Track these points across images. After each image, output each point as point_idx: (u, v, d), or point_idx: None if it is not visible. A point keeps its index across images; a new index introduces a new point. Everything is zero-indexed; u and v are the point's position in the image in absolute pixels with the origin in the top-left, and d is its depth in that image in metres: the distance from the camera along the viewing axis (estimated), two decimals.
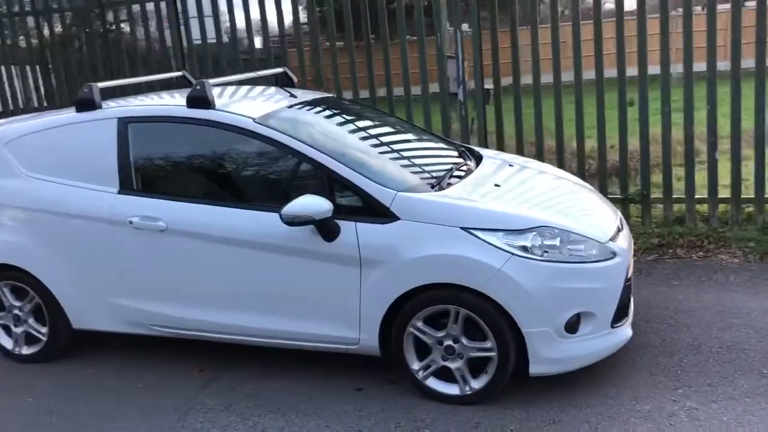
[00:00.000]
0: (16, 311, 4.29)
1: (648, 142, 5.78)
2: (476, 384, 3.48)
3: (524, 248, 3.36)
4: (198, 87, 3.88)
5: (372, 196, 3.51)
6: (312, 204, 3.43)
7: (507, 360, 3.39)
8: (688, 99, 5.58)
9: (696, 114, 5.63)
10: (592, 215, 3.83)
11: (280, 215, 3.44)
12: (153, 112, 4.09)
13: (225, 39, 6.99)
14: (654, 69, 5.56)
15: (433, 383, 3.55)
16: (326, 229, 3.47)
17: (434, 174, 3.90)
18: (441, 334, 3.47)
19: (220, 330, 3.88)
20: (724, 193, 5.75)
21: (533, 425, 3.31)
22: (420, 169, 4.00)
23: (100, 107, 4.11)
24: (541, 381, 3.52)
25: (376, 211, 3.49)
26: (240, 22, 6.89)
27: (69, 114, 4.21)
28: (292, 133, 3.76)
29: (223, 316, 3.83)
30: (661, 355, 3.84)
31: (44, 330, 4.26)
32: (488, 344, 3.40)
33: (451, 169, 4.00)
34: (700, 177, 5.85)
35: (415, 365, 3.56)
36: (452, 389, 3.52)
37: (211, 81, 4.03)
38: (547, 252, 3.38)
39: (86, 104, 4.12)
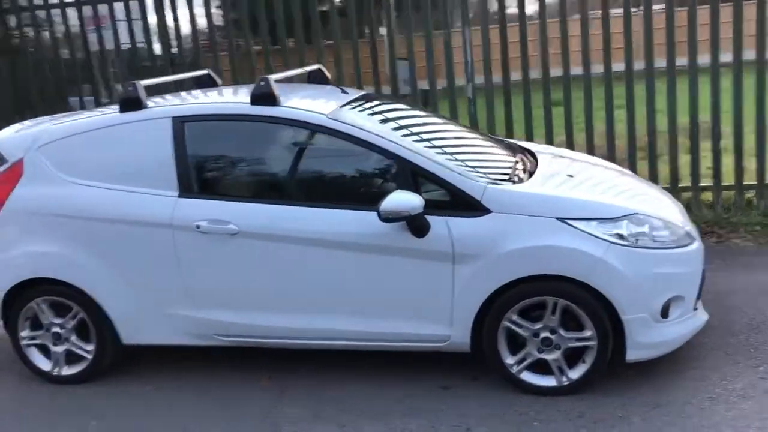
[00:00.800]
0: (56, 329, 3.97)
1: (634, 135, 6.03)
2: (573, 374, 3.48)
3: (620, 236, 3.39)
4: (263, 83, 3.71)
5: (462, 189, 3.45)
6: (406, 200, 3.34)
7: (606, 348, 3.41)
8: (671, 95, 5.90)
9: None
10: (663, 202, 3.91)
11: (378, 212, 3.33)
12: (211, 111, 3.88)
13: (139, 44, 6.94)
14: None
15: (527, 376, 3.53)
16: (417, 225, 3.39)
17: (505, 168, 3.88)
18: (538, 326, 3.45)
19: (297, 335, 3.72)
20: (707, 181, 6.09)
21: (638, 410, 3.33)
22: (490, 163, 3.97)
23: (146, 107, 3.87)
24: (626, 368, 3.55)
25: (465, 205, 3.44)
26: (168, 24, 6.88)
27: (111, 114, 3.94)
28: (367, 128, 3.66)
29: (301, 321, 3.67)
30: (726, 335, 3.96)
31: (90, 347, 3.96)
32: (587, 333, 3.41)
33: (517, 163, 3.99)
34: (684, 166, 6.12)
35: (509, 359, 3.52)
36: (548, 381, 3.51)
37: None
38: (638, 239, 3.43)
39: (132, 104, 3.87)
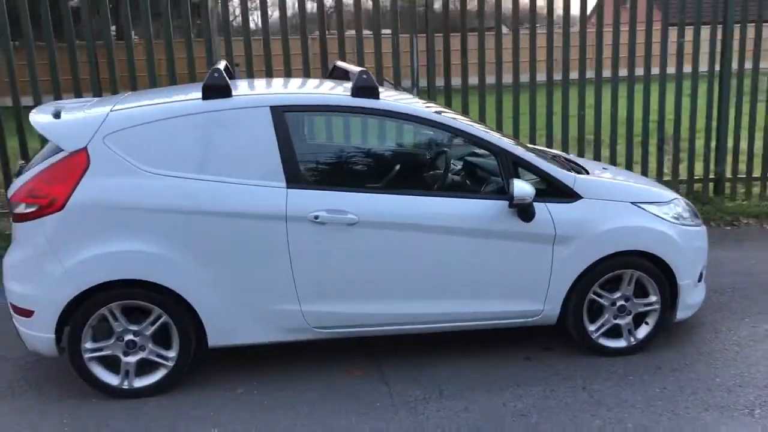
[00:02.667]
0: (131, 336, 3.58)
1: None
2: (640, 335, 4.10)
3: (675, 216, 4.10)
4: (365, 77, 3.77)
5: (558, 179, 3.89)
6: (527, 188, 3.68)
7: (665, 311, 4.09)
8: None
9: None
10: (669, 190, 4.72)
11: (511, 199, 3.63)
12: (312, 101, 3.82)
13: None
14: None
15: (603, 340, 4.06)
16: (528, 210, 3.76)
17: (564, 162, 4.36)
18: (616, 295, 4.01)
19: (403, 321, 3.83)
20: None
21: (694, 359, 4.04)
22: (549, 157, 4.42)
23: (232, 95, 3.69)
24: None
25: (561, 192, 3.88)
26: None
27: (193, 102, 3.68)
28: (464, 120, 3.92)
29: (410, 306, 3.79)
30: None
31: (172, 354, 3.64)
32: (653, 299, 4.05)
33: (566, 159, 4.51)
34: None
35: (591, 327, 4.03)
36: (620, 343, 4.08)
37: None
38: (680, 218, 4.17)
39: (219, 91, 3.66)
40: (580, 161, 4.59)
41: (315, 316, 3.72)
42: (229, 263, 3.58)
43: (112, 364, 3.63)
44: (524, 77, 6.71)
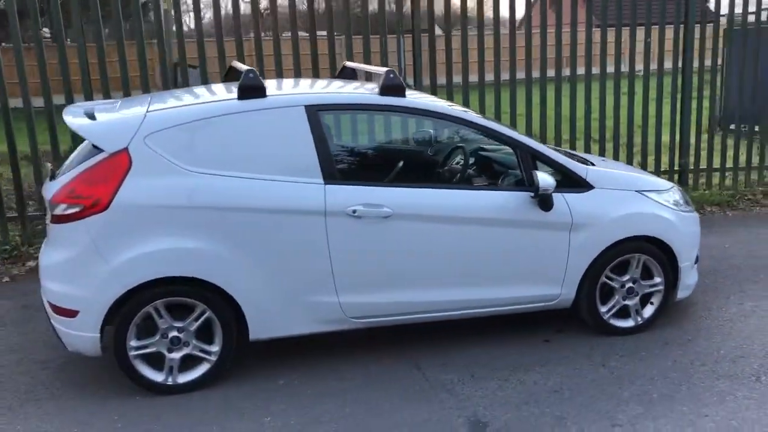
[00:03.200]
0: (175, 333, 3.65)
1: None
2: (646, 314, 4.40)
3: (674, 203, 4.42)
4: (392, 76, 3.94)
5: (572, 170, 4.15)
6: (549, 179, 3.92)
7: (668, 291, 4.40)
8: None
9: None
10: None
11: (537, 189, 3.86)
12: (343, 100, 3.95)
13: None
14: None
15: (614, 321, 4.35)
16: (548, 200, 4.00)
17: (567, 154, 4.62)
18: (626, 278, 4.30)
19: (433, 308, 4.01)
20: None
21: (695, 335, 4.37)
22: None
23: (266, 95, 3.80)
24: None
25: (575, 183, 4.14)
26: None
27: (229, 102, 3.77)
28: (483, 117, 4.13)
29: (439, 294, 3.98)
30: None
31: (215, 349, 3.72)
32: (657, 280, 4.36)
33: (570, 152, 4.78)
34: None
35: (603, 308, 4.31)
36: (628, 323, 4.37)
37: None
38: (678, 205, 4.49)
39: (254, 91, 3.76)
40: (582, 154, 4.87)
41: (352, 307, 3.87)
42: (271, 257, 3.69)
43: (154, 361, 3.68)
44: (473, 77, 6.98)
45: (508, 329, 4.41)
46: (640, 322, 4.38)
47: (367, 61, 6.45)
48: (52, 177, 3.77)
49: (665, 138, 7.67)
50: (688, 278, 4.49)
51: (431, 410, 3.54)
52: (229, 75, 4.75)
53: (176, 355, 3.68)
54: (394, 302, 3.93)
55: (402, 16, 6.77)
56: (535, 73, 7.06)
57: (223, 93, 4.04)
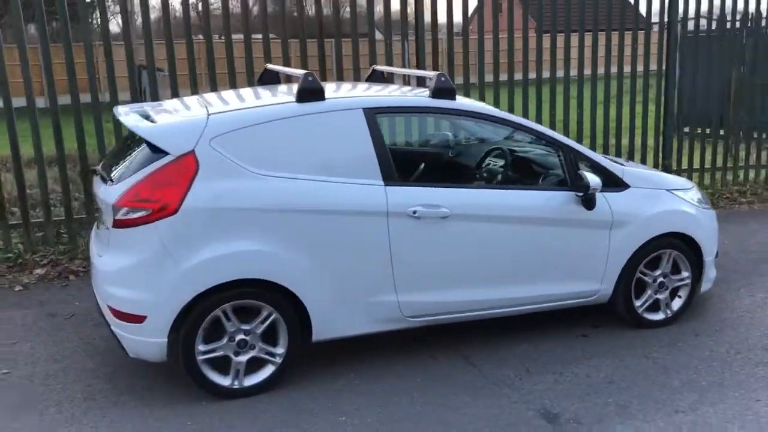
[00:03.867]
0: (241, 336, 3.63)
1: None
2: (674, 307, 4.61)
3: (698, 201, 4.65)
4: (443, 79, 4.03)
5: (610, 170, 4.32)
6: (597, 179, 4.08)
7: (694, 284, 4.63)
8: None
9: None
10: None
11: (587, 189, 4.01)
12: (399, 103, 4.03)
13: None
14: None
15: (646, 314, 4.54)
16: (592, 199, 4.16)
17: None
18: (657, 273, 4.50)
19: (484, 306, 4.11)
20: None
21: (720, 325, 4.61)
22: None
23: (325, 98, 3.84)
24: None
25: (613, 182, 4.31)
26: None
27: (289, 105, 3.79)
28: (527, 120, 4.26)
29: (493, 292, 4.09)
30: None
31: (280, 351, 3.72)
32: (685, 274, 4.58)
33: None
34: None
35: (637, 302, 4.49)
36: (659, 316, 4.57)
37: None
38: (701, 203, 4.73)
39: (313, 94, 3.80)
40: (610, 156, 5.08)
41: (409, 306, 3.93)
42: (335, 258, 3.72)
43: (219, 365, 3.66)
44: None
45: (544, 326, 4.54)
46: (669, 315, 4.59)
47: (322, 66, 6.43)
48: (106, 180, 3.71)
49: (638, 141, 7.98)
50: (711, 272, 4.73)
51: (500, 405, 3.64)
52: (264, 77, 4.75)
53: (243, 359, 3.67)
54: (449, 301, 4.02)
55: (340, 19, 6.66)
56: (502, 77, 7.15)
57: (277, 95, 4.05)
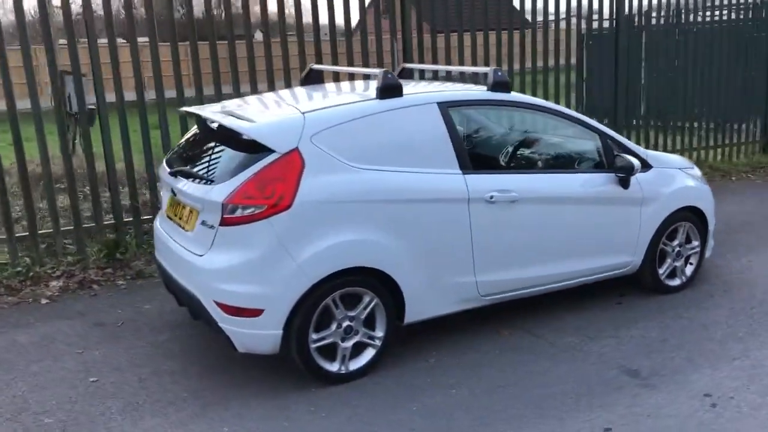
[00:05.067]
0: (347, 322, 3.81)
1: None
2: (688, 272, 5.18)
3: (700, 178, 5.26)
4: (500, 74, 4.36)
5: (639, 153, 4.82)
6: (636, 162, 4.55)
7: (703, 251, 5.22)
8: None
9: None
10: None
11: (631, 170, 4.47)
12: (465, 97, 4.31)
13: None
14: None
15: (668, 281, 5.08)
16: (628, 179, 4.64)
17: None
18: (675, 243, 5.05)
19: (549, 281, 4.50)
20: None
21: (727, 286, 5.21)
22: None
23: (403, 95, 4.08)
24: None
25: (641, 164, 4.80)
26: None
27: (373, 101, 4.01)
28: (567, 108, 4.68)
29: (551, 268, 4.47)
30: None
31: (380, 334, 3.93)
32: (695, 243, 5.16)
33: None
34: None
35: (661, 270, 5.02)
36: (676, 281, 5.13)
37: None
38: (701, 180, 5.33)
39: (394, 91, 4.03)
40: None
41: (485, 285, 4.24)
42: (425, 244, 3.97)
43: (326, 351, 3.82)
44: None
45: (576, 299, 4.95)
46: (684, 281, 5.15)
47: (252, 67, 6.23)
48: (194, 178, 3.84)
49: None
50: (712, 240, 5.35)
51: (582, 367, 4.02)
52: (309, 77, 4.90)
53: (348, 344, 3.85)
54: (517, 278, 4.36)
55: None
56: None
57: (358, 92, 4.29)
